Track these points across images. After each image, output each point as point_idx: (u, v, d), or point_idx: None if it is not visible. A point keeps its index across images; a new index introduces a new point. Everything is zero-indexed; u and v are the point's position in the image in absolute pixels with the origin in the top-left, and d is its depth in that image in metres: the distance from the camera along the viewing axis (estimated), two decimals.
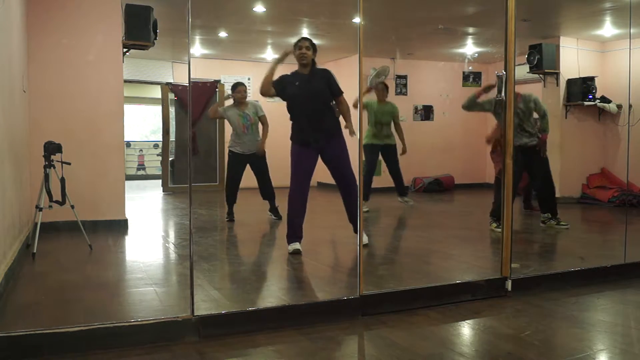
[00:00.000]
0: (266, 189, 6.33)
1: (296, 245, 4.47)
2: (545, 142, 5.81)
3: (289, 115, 4.60)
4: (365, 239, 4.59)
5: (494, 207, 5.64)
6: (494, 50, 8.84)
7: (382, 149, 7.04)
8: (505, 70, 3.59)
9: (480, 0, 6.34)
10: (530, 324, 3.00)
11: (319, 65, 4.62)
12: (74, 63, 5.58)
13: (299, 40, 4.55)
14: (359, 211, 3.39)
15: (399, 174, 7.18)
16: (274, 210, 6.36)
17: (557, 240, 5.55)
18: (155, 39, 5.88)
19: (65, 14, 5.56)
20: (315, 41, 4.58)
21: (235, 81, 6.49)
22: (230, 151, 6.34)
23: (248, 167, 6.33)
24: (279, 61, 4.56)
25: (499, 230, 5.57)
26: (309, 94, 4.45)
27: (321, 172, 4.71)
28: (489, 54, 9.41)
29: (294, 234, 4.53)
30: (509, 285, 3.51)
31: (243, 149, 6.24)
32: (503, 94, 3.59)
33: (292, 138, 4.60)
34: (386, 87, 7.19)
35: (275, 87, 4.51)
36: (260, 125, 6.29)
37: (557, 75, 8.06)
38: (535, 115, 5.72)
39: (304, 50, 4.45)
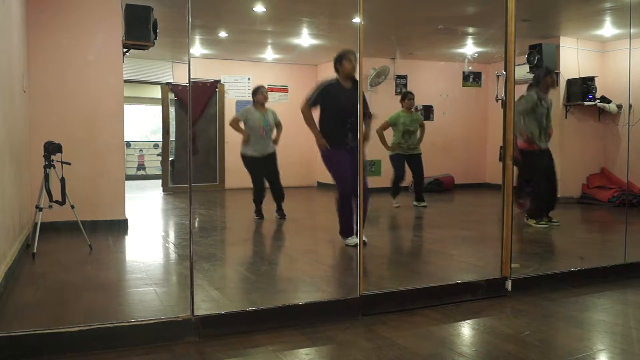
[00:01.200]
0: (278, 190, 6.44)
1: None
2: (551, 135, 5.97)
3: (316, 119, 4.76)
4: (364, 238, 4.63)
5: (530, 206, 5.82)
6: (494, 50, 8.84)
7: (408, 158, 7.36)
8: (505, 70, 3.59)
9: (480, 0, 6.34)
10: (530, 324, 3.00)
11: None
12: (74, 63, 5.58)
13: (349, 52, 4.67)
14: (360, 212, 3.40)
15: (420, 180, 7.53)
16: (280, 210, 6.42)
17: (557, 240, 5.55)
18: (155, 39, 5.89)
19: (65, 14, 5.56)
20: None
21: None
22: (244, 155, 6.39)
23: None
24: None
25: (539, 225, 5.67)
26: (353, 106, 4.59)
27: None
28: (489, 54, 9.41)
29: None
30: (509, 285, 3.51)
31: (257, 152, 6.30)
32: (503, 94, 3.60)
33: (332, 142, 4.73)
34: (413, 96, 7.53)
35: (318, 98, 4.75)
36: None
37: (557, 75, 8.06)
38: None
39: (355, 63, 4.62)
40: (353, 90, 4.57)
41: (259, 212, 6.43)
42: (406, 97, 7.44)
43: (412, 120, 7.35)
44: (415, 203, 7.53)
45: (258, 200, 6.43)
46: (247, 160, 6.37)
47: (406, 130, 7.27)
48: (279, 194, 6.44)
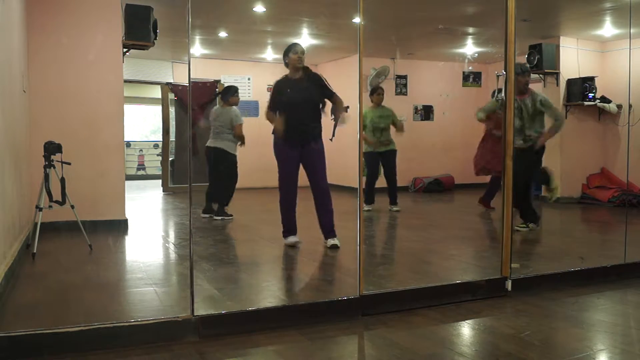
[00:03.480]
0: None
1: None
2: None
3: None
4: (336, 241, 4.70)
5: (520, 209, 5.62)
6: (494, 50, 8.83)
7: (382, 155, 7.02)
8: (505, 70, 3.59)
9: (480, 0, 6.33)
10: (530, 324, 3.00)
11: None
12: (74, 63, 5.58)
13: (295, 45, 4.81)
14: (360, 212, 3.39)
15: (393, 181, 7.08)
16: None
17: (557, 240, 5.55)
18: (155, 39, 5.89)
19: (65, 14, 5.56)
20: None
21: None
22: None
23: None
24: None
25: (523, 228, 5.53)
26: (305, 96, 4.67)
27: None
28: (489, 54, 9.40)
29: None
30: (509, 285, 3.51)
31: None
32: (503, 94, 3.60)
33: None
34: (383, 90, 7.18)
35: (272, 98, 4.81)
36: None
37: (557, 75, 8.06)
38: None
39: (300, 55, 4.71)
40: (305, 80, 4.68)
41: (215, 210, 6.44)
42: (375, 92, 7.07)
43: (381, 117, 6.92)
44: (389, 207, 7.07)
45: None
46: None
47: (375, 127, 6.89)
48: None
